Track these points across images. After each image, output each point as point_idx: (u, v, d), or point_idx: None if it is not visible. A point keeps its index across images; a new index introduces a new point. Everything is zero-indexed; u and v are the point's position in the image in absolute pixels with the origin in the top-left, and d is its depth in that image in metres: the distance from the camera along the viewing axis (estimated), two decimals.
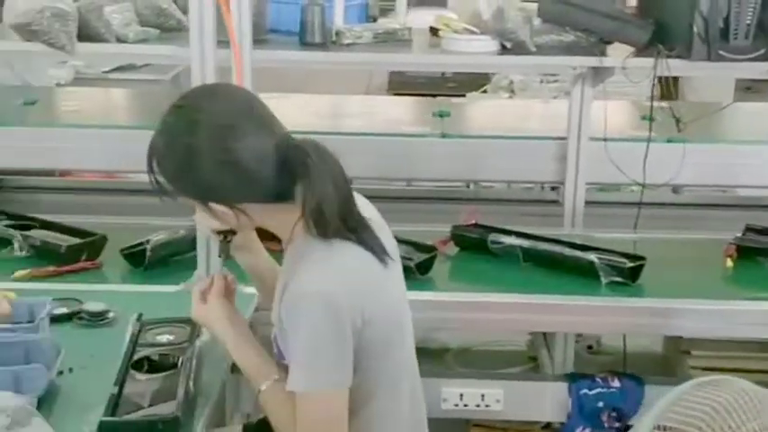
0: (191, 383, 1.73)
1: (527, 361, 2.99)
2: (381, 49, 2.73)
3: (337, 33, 2.72)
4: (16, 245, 2.62)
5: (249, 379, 1.75)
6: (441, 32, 2.77)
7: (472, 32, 2.71)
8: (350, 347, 1.66)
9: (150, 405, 1.67)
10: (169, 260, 2.59)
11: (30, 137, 3.13)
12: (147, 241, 2.57)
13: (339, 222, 1.67)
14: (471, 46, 2.70)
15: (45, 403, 1.70)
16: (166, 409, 1.65)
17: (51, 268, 2.49)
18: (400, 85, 5.73)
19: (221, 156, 1.65)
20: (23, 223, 2.76)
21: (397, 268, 1.83)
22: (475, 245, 2.70)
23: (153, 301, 2.20)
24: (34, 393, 1.69)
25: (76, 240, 2.64)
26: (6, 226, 2.72)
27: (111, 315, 2.09)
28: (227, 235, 1.83)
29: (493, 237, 2.67)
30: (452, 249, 2.71)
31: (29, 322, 1.94)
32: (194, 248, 2.49)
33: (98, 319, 2.07)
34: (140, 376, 1.77)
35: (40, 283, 2.39)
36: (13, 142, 3.13)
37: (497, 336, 3.08)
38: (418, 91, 5.03)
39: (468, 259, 2.69)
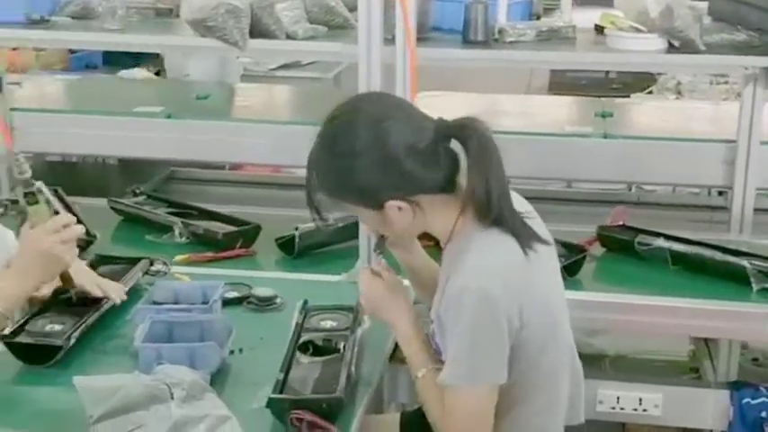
0: (353, 368, 1.78)
1: (688, 372, 2.91)
2: (544, 48, 2.72)
3: (500, 31, 2.73)
4: (177, 231, 2.76)
5: (409, 364, 1.78)
6: (606, 30, 2.73)
7: (639, 30, 2.66)
8: (506, 345, 1.67)
9: (314, 386, 1.73)
10: (317, 250, 2.66)
11: (200, 130, 3.26)
12: (296, 228, 2.65)
13: (501, 209, 1.68)
14: (638, 44, 2.65)
15: (217, 379, 1.79)
16: (331, 390, 1.70)
17: (209, 254, 2.61)
18: (561, 86, 5.61)
19: (385, 151, 1.67)
20: (184, 211, 2.93)
21: (552, 262, 1.83)
22: (621, 246, 2.66)
23: (314, 289, 2.27)
24: (207, 370, 1.77)
25: (232, 228, 2.76)
26: (168, 213, 2.88)
27: (278, 301, 2.17)
28: (384, 236, 1.88)
29: (641, 238, 2.62)
30: (598, 250, 2.67)
31: (203, 303, 2.05)
32: (342, 240, 2.60)
33: (266, 304, 2.16)
34: (305, 359, 1.83)
35: (203, 268, 2.49)
36: (185, 135, 3.27)
37: (657, 345, 3.01)
38: (580, 92, 4.94)
39: (613, 260, 2.65)
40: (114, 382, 1.68)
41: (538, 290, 1.73)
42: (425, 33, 2.69)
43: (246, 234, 2.74)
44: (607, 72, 5.65)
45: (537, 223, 1.81)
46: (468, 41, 2.72)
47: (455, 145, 1.71)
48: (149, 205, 3.00)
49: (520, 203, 1.80)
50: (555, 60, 2.84)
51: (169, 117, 3.25)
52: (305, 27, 2.76)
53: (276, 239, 2.68)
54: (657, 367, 2.92)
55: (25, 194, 1.83)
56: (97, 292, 2.04)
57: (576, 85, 5.64)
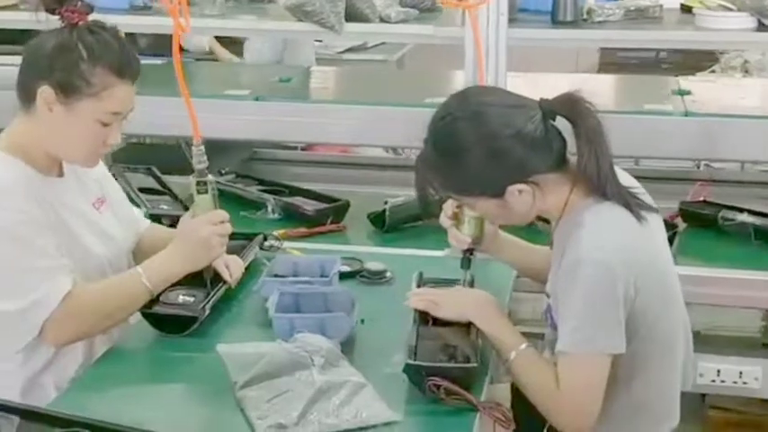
0: (478, 339, 1.85)
1: (761, 347, 2.95)
2: (632, 27, 2.77)
3: (588, 11, 2.78)
4: (269, 208, 2.87)
5: (500, 350, 1.84)
6: (695, 9, 2.77)
7: (728, 9, 2.70)
8: (623, 314, 1.73)
9: (447, 354, 1.81)
10: (404, 225, 2.76)
11: (287, 112, 3.34)
12: (386, 202, 2.74)
13: (610, 182, 1.75)
14: (727, 23, 2.69)
15: (346, 348, 1.87)
16: (466, 359, 1.78)
17: (303, 229, 2.70)
18: (610, 66, 5.61)
19: (495, 141, 1.74)
20: (274, 189, 3.03)
21: (662, 232, 1.89)
22: (704, 221, 2.71)
23: (419, 264, 2.34)
24: (337, 339, 1.86)
25: (324, 205, 2.86)
26: (260, 191, 2.98)
27: (388, 274, 2.26)
28: (471, 251, 1.98)
29: (724, 213, 2.67)
30: (680, 225, 2.72)
31: (321, 276, 2.14)
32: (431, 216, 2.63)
33: (378, 277, 2.24)
34: (430, 328, 1.90)
35: (298, 243, 2.57)
36: (271, 116, 3.35)
37: (729, 321, 3.05)
38: (630, 72, 4.93)
39: (696, 235, 2.70)
40: (257, 349, 1.78)
41: (652, 258, 1.80)
42: (513, 14, 2.75)
43: (337, 210, 2.85)
44: (657, 53, 5.66)
45: (642, 194, 1.86)
46: (557, 22, 2.78)
47: (559, 122, 1.77)
48: (240, 183, 3.11)
49: (623, 177, 1.86)
50: (644, 39, 2.88)
51: (257, 99, 3.34)
52: (397, 10, 2.84)
53: (368, 215, 2.78)
54: (732, 342, 2.97)
55: (198, 183, 1.93)
56: (223, 269, 2.12)
57: (627, 64, 5.64)
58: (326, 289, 2.03)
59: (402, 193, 2.80)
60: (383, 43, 5.17)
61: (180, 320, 1.97)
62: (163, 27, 3.27)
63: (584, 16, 2.78)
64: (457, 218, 1.97)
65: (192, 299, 2.03)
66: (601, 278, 1.71)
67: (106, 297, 1.91)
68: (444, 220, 1.99)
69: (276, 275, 2.15)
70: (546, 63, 4.21)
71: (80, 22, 1.87)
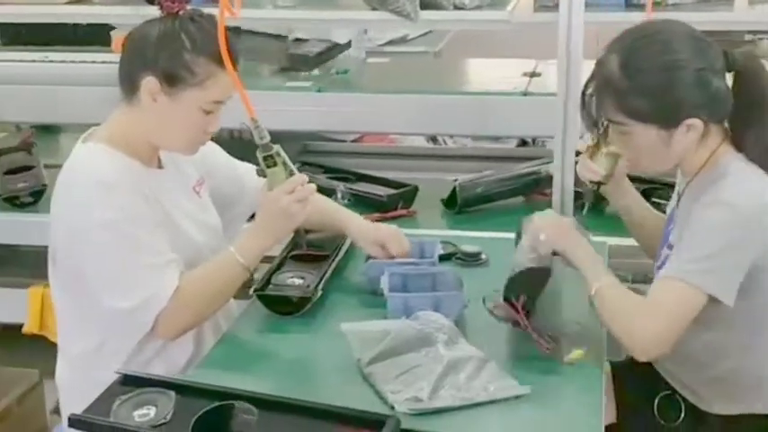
0: None
1: None
2: (705, 9, 2.79)
3: None
4: (339, 194, 2.89)
5: (587, 279, 1.84)
6: None
7: None
8: (744, 266, 1.73)
9: None
10: (476, 207, 2.82)
11: (347, 102, 3.37)
12: (455, 180, 2.79)
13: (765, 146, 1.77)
14: None
15: (457, 326, 1.90)
16: None
17: (376, 215, 2.73)
18: None
19: (707, 67, 1.75)
20: (341, 176, 3.08)
21: None
22: None
23: (509, 246, 2.37)
24: (451, 317, 1.89)
25: (394, 190, 2.90)
26: (328, 178, 3.01)
27: (483, 256, 2.28)
28: (598, 186, 1.99)
29: None
30: None
31: (421, 258, 2.17)
32: (504, 196, 2.79)
33: (473, 259, 2.27)
34: None
35: None
36: (333, 108, 3.38)
37: None
38: None
39: None
40: (380, 327, 1.81)
41: None
42: None
43: (407, 195, 2.89)
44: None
45: None
46: (631, 5, 2.80)
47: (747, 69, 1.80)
48: (305, 172, 3.14)
49: None
50: (716, 20, 2.89)
51: (319, 91, 3.37)
52: None
53: (442, 200, 2.85)
54: None
55: (264, 158, 1.93)
56: (372, 252, 2.17)
57: None
58: (435, 269, 2.06)
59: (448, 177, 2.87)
60: (424, 35, 5.21)
61: (293, 301, 2.00)
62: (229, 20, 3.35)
63: None
64: (591, 151, 1.99)
65: (301, 280, 2.07)
66: (734, 222, 1.72)
67: (208, 283, 1.92)
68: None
69: (375, 258, 2.17)
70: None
71: (179, 11, 1.89)
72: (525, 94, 3.17)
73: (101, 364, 1.93)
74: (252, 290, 2.03)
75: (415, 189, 2.91)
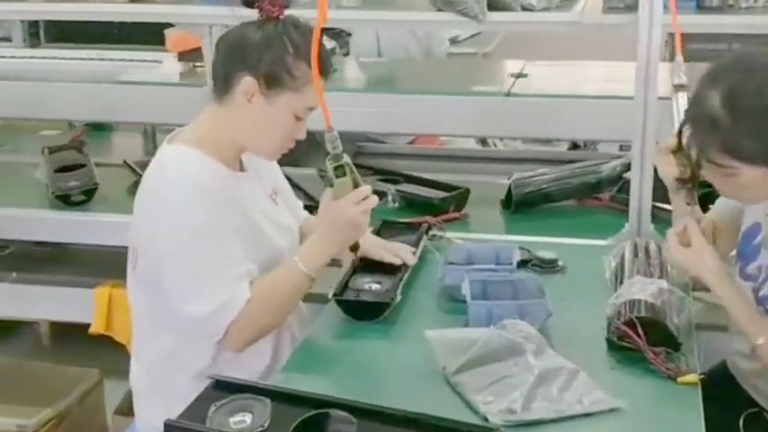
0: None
1: None
2: None
3: None
4: (390, 197, 2.86)
5: (744, 330, 1.81)
6: None
7: None
8: None
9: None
10: (532, 210, 2.81)
11: (400, 104, 3.34)
12: (509, 177, 2.79)
13: None
14: None
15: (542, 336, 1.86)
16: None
17: (428, 217, 2.65)
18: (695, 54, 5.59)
19: None
20: (391, 178, 3.03)
21: None
22: None
23: (581, 253, 2.33)
24: (535, 326, 1.85)
25: (446, 193, 2.86)
26: (379, 180, 2.97)
27: (560, 263, 2.24)
28: (691, 182, 1.94)
29: None
30: None
31: (496, 264, 2.13)
32: (561, 197, 2.77)
33: (550, 266, 2.23)
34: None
35: None
36: (384, 109, 3.35)
37: None
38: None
39: None
40: (466, 335, 1.77)
41: None
42: None
43: (459, 198, 2.85)
44: (730, 44, 5.59)
45: None
46: (702, 8, 2.74)
47: None
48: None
49: None
50: None
51: (370, 92, 3.34)
52: None
53: (501, 199, 2.84)
54: None
55: (335, 167, 1.91)
56: (386, 257, 2.12)
57: (697, 56, 5.56)
58: (515, 276, 2.02)
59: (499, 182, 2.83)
60: (473, 36, 5.18)
61: (372, 307, 1.97)
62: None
63: (731, 2, 2.74)
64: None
65: (378, 285, 2.03)
66: None
67: (274, 293, 1.90)
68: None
69: (450, 263, 2.14)
70: (603, 50, 4.18)
71: (279, 16, 1.89)
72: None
73: (176, 369, 1.93)
74: (330, 295, 2.00)
75: (467, 192, 2.88)
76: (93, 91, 3.53)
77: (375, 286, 2.04)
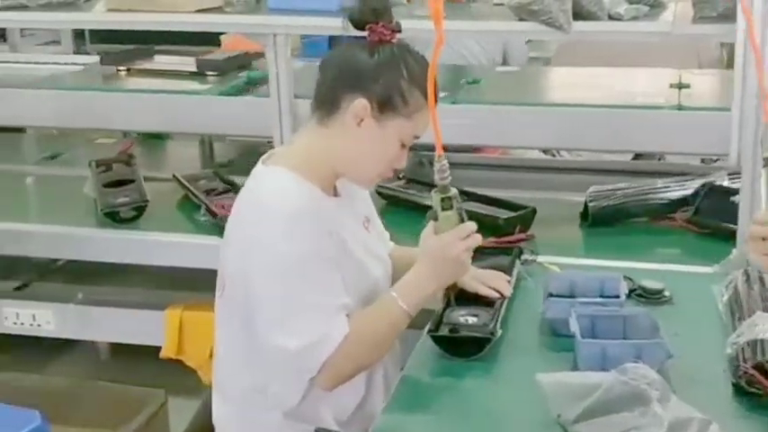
0: None
1: None
2: None
3: None
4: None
5: None
6: None
7: None
8: None
9: None
10: (609, 227, 2.69)
11: (481, 114, 3.20)
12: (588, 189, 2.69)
13: None
14: None
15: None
16: None
17: (492, 239, 2.52)
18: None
19: None
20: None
21: None
22: None
23: (680, 280, 2.17)
24: (654, 368, 1.69)
25: (511, 213, 2.73)
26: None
27: (667, 293, 2.08)
28: None
29: None
30: None
31: (600, 297, 1.98)
32: (639, 215, 2.65)
33: (657, 297, 2.07)
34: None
35: None
36: (466, 119, 3.21)
37: None
38: None
39: None
40: (586, 380, 1.62)
41: None
42: None
43: (524, 218, 2.71)
44: None
45: None
46: None
47: None
48: (413, 189, 2.99)
49: None
50: None
51: (454, 103, 3.20)
52: (626, 7, 2.66)
53: (581, 212, 2.72)
54: None
55: (442, 199, 1.79)
56: (483, 291, 2.00)
57: None
58: (626, 311, 1.87)
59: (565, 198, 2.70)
60: (530, 41, 5.03)
61: (471, 343, 1.83)
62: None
63: None
64: None
65: (475, 318, 1.90)
66: None
67: (372, 331, 1.79)
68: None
69: (551, 294, 1.99)
70: (666, 57, 4.04)
71: (392, 40, 1.81)
72: (681, 107, 2.94)
73: (264, 405, 1.83)
74: (426, 331, 1.86)
75: (534, 211, 2.74)
76: (152, 101, 3.46)
77: (471, 320, 1.90)
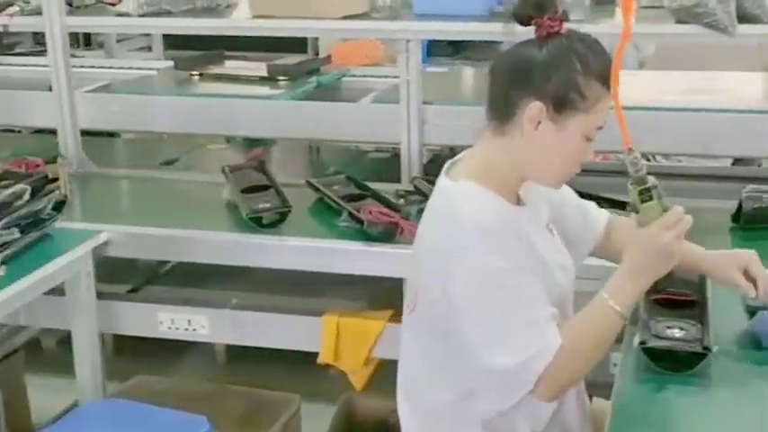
0: None
1: None
2: None
3: None
4: None
5: None
6: None
7: None
8: None
9: None
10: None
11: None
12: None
13: None
14: None
15: None
16: None
17: None
18: None
19: None
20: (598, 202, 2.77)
21: None
22: None
23: None
24: None
25: None
26: None
27: None
28: None
29: None
30: None
31: None
32: None
33: None
34: None
35: None
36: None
37: None
38: None
39: None
40: None
41: None
42: None
43: None
44: None
45: None
46: None
47: None
48: None
49: None
50: None
51: None
52: None
53: (732, 215, 2.62)
54: None
55: (640, 192, 1.72)
56: (740, 281, 1.88)
57: None
58: None
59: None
60: None
61: (686, 357, 1.76)
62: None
63: None
64: None
65: (682, 332, 1.82)
66: None
67: (585, 336, 1.70)
68: None
69: (757, 308, 1.90)
70: (727, 60, 3.94)
71: (560, 31, 1.71)
72: None
73: (464, 418, 1.76)
74: (637, 342, 1.79)
75: None
76: (265, 107, 3.45)
77: (678, 332, 1.82)
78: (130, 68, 4.22)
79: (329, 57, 4.11)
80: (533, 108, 1.68)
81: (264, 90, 3.64)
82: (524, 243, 1.72)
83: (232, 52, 4.26)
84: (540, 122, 1.69)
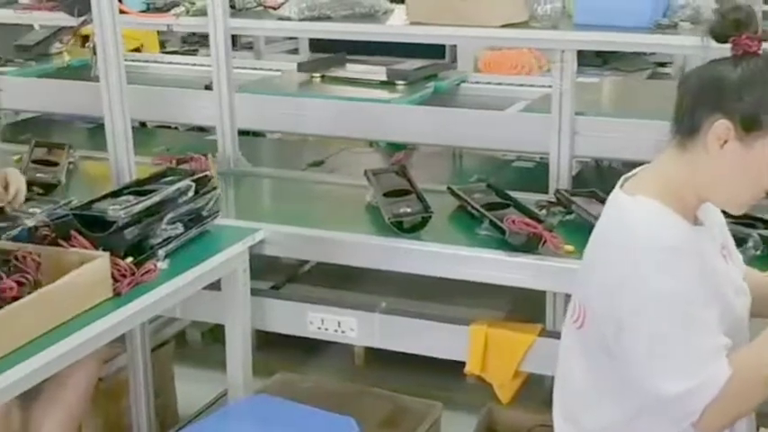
0: None
1: None
2: None
3: None
4: (751, 244, 2.52)
5: None
6: None
7: None
8: None
9: None
10: None
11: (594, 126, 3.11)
12: None
13: None
14: None
15: None
16: None
17: None
18: None
19: None
20: (749, 222, 2.62)
21: None
22: None
23: None
24: None
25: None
26: (735, 224, 2.59)
27: None
28: None
29: None
30: None
31: None
32: None
33: None
34: None
35: None
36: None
37: None
38: None
39: None
40: None
41: None
42: None
43: None
44: None
45: None
46: None
47: None
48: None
49: None
50: None
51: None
52: None
53: None
54: None
55: None
56: None
57: None
58: None
59: None
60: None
61: None
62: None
63: None
64: None
65: None
66: None
67: (759, 367, 1.64)
68: None
69: None
70: None
71: (758, 51, 1.67)
72: None
73: None
74: None
75: None
76: (409, 113, 3.48)
77: None
78: (270, 70, 4.33)
79: (452, 62, 4.08)
80: (720, 126, 1.64)
81: (382, 94, 3.69)
82: (702, 265, 1.68)
83: (374, 57, 4.33)
84: (726, 141, 1.65)
